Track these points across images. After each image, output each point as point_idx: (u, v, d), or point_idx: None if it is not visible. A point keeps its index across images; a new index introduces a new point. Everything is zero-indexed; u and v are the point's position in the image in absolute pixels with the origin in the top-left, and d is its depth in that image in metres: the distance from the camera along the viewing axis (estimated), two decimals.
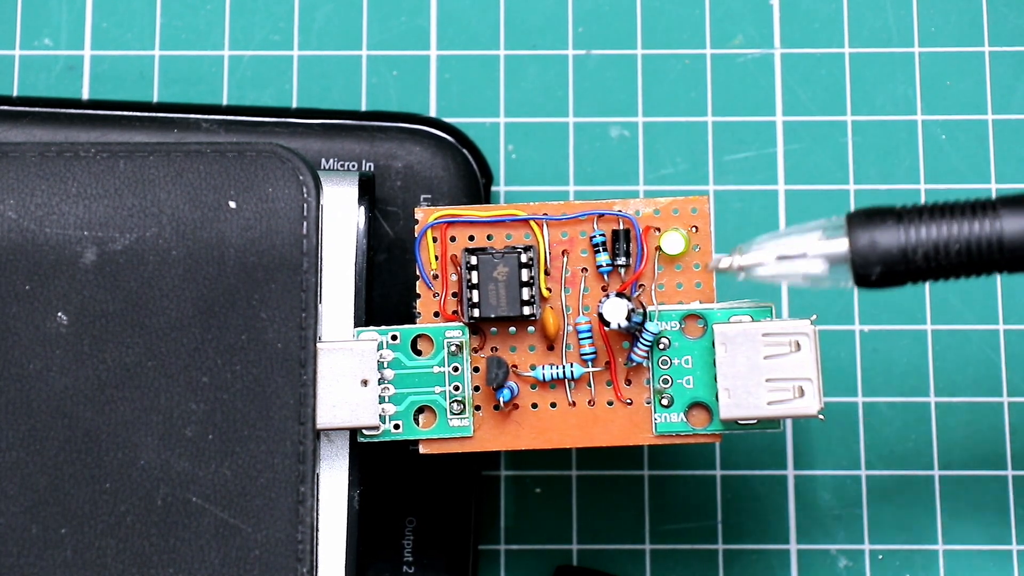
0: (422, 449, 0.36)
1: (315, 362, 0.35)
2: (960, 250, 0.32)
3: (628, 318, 0.34)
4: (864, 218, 0.33)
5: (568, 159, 0.44)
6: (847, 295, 0.43)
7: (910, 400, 0.43)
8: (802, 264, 0.33)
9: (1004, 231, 0.32)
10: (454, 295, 0.36)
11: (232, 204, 0.35)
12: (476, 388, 0.36)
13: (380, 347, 0.36)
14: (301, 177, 0.36)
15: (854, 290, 0.43)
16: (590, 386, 0.36)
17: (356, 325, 0.36)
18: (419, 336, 0.36)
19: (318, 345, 0.35)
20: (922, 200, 0.43)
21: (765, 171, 0.44)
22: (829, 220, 0.33)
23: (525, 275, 0.35)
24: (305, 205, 0.35)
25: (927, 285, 0.43)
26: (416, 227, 0.36)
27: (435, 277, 0.36)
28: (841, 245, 0.33)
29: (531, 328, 0.36)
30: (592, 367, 0.36)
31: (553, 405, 0.36)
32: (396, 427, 0.36)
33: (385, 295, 0.40)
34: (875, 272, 0.32)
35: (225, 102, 0.44)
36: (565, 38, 0.44)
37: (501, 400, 0.35)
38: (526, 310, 0.35)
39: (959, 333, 0.43)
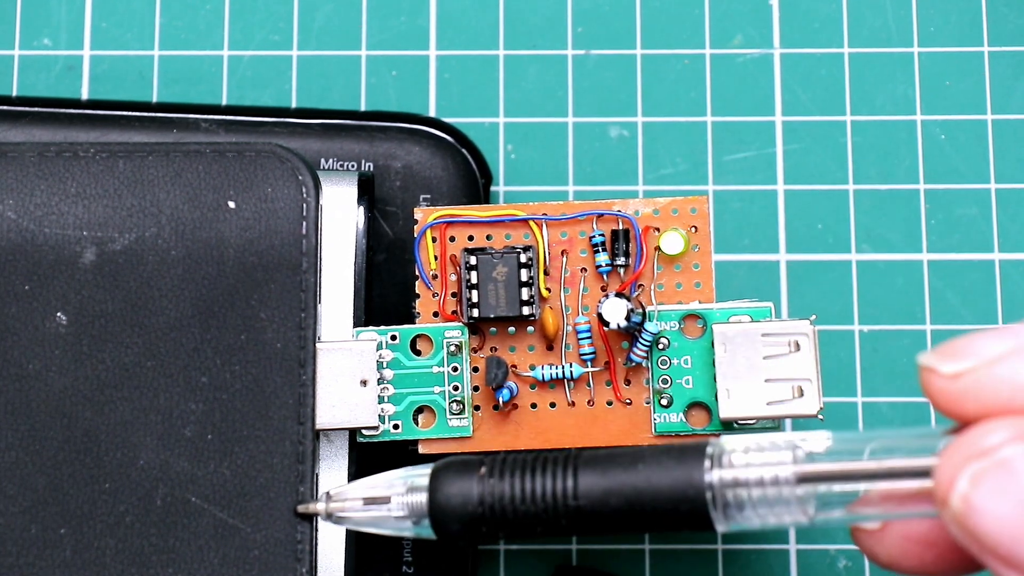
0: (421, 449, 0.36)
1: (314, 362, 0.35)
2: (536, 498, 0.31)
3: (627, 318, 0.34)
4: (446, 468, 0.32)
5: (568, 159, 0.44)
6: (847, 295, 0.43)
7: (910, 400, 0.42)
8: (387, 511, 0.32)
9: (579, 482, 0.31)
10: (453, 295, 0.36)
11: (231, 204, 0.35)
12: (475, 388, 0.36)
13: (379, 347, 0.36)
14: (300, 177, 0.36)
15: (854, 290, 0.43)
16: (589, 386, 0.36)
17: (355, 325, 0.36)
18: (418, 336, 0.36)
19: (317, 345, 0.35)
20: (922, 200, 0.43)
21: (765, 171, 0.44)
22: (416, 468, 0.33)
23: (524, 275, 0.35)
24: (304, 205, 0.35)
25: (927, 286, 0.43)
26: (415, 227, 0.36)
27: (434, 277, 0.36)
28: (421, 496, 0.32)
29: (530, 328, 0.36)
30: (591, 367, 0.36)
31: (552, 405, 0.36)
32: (395, 427, 0.36)
33: (384, 295, 0.40)
34: (452, 524, 0.32)
35: (225, 102, 0.44)
36: (565, 38, 0.44)
37: (500, 400, 0.35)
38: (525, 310, 0.35)
39: (959, 333, 0.43)
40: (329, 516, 0.33)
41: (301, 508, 0.34)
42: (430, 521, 0.32)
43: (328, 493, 0.33)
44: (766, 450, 0.30)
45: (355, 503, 0.33)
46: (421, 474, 0.32)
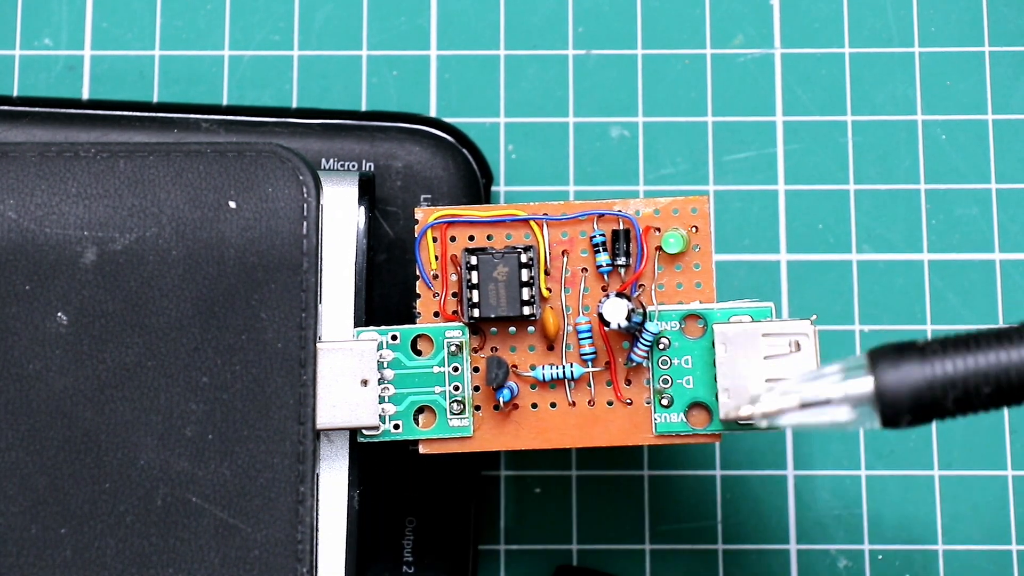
0: (422, 449, 0.36)
1: (315, 362, 0.35)
2: (990, 384, 0.31)
3: (628, 318, 0.34)
4: (886, 355, 0.32)
5: (568, 159, 0.44)
6: (847, 295, 0.43)
7: None
8: (827, 411, 0.32)
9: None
10: (454, 295, 0.36)
11: (232, 204, 0.35)
12: (476, 388, 0.36)
13: (380, 347, 0.36)
14: (301, 177, 0.36)
15: (854, 290, 0.43)
16: (590, 386, 0.36)
17: (356, 325, 0.36)
18: (419, 336, 0.36)
19: (318, 345, 0.35)
20: (922, 200, 0.43)
21: (765, 171, 0.44)
22: (847, 361, 0.32)
23: (525, 275, 0.35)
24: (305, 205, 0.35)
25: (927, 286, 0.43)
26: (416, 227, 0.36)
27: (435, 277, 0.36)
28: (866, 386, 0.32)
29: (531, 328, 0.36)
30: (592, 367, 0.36)
31: (553, 405, 0.36)
32: (396, 427, 0.36)
33: (385, 295, 0.40)
34: (905, 415, 0.31)
35: (225, 102, 0.44)
36: (565, 38, 0.44)
37: (501, 400, 0.35)
38: (526, 310, 0.35)
39: (959, 333, 0.43)
40: (764, 418, 0.32)
41: (728, 413, 0.34)
42: (880, 409, 0.31)
43: (759, 397, 0.33)
44: None
45: (792, 405, 0.32)
46: (858, 365, 0.32)
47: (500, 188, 0.44)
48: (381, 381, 0.35)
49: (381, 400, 0.35)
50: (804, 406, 0.32)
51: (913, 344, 0.32)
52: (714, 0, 0.44)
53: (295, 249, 0.35)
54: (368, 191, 0.38)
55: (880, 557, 0.42)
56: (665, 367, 0.35)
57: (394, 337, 0.36)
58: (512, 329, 0.36)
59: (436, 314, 0.36)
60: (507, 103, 0.44)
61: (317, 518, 0.35)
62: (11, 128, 0.41)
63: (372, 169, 0.41)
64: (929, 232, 0.43)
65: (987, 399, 0.31)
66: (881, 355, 0.32)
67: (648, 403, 0.36)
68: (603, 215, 0.36)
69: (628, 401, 0.36)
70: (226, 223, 0.35)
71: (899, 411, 0.31)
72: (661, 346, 0.35)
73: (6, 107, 0.41)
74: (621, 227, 0.36)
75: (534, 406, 0.36)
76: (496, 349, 0.36)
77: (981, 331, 0.32)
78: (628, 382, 0.36)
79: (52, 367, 0.35)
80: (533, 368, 0.36)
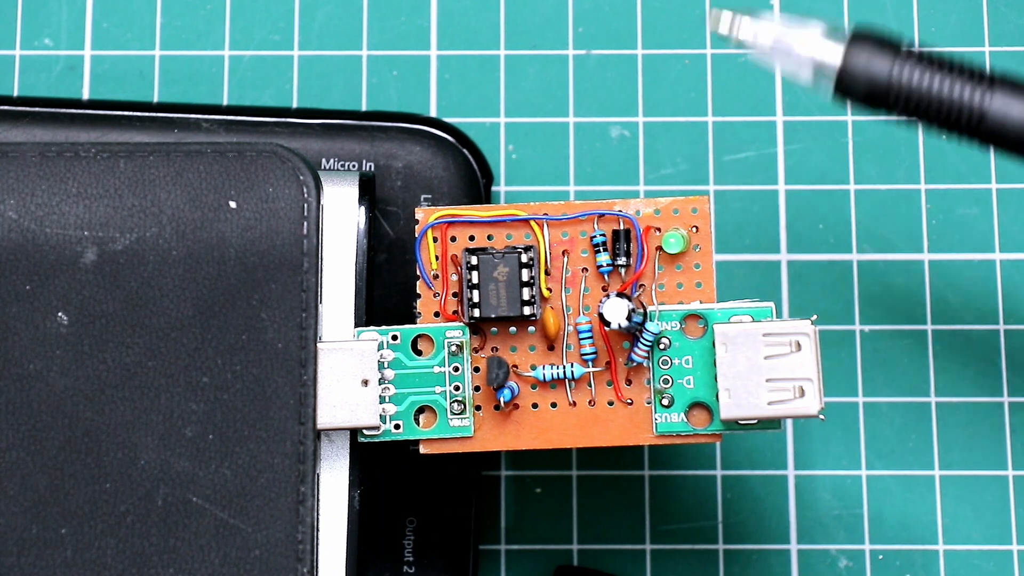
0: (422, 449, 0.36)
1: (315, 362, 0.35)
2: (941, 105, 0.32)
3: (628, 318, 0.34)
4: (864, 37, 0.33)
5: (568, 159, 0.44)
6: (847, 295, 0.43)
7: (910, 400, 0.43)
8: (792, 60, 0.33)
9: (990, 108, 0.32)
10: (454, 295, 0.36)
11: (232, 204, 0.35)
12: (476, 388, 0.36)
13: (380, 347, 0.36)
14: (301, 177, 0.36)
15: (854, 290, 0.43)
16: (590, 386, 0.36)
17: (356, 325, 0.36)
18: (419, 336, 0.36)
19: (318, 345, 0.35)
20: (923, 200, 0.43)
21: (765, 171, 0.44)
22: (833, 27, 0.34)
23: (525, 275, 0.35)
24: (305, 205, 0.35)
25: (927, 286, 0.43)
26: (416, 227, 0.36)
27: (435, 277, 0.36)
28: (835, 54, 0.33)
29: (531, 328, 0.36)
30: (592, 367, 0.36)
31: (553, 405, 0.36)
32: (396, 427, 0.36)
33: (385, 295, 0.40)
34: (856, 92, 0.33)
35: (225, 102, 0.44)
36: (565, 38, 0.44)
37: (501, 400, 0.35)
38: (526, 310, 0.35)
39: (959, 333, 0.43)
40: (736, 37, 0.34)
41: (712, 22, 0.35)
42: (837, 78, 0.33)
43: (744, 16, 0.34)
44: None
45: (767, 35, 0.34)
46: (839, 34, 0.33)
47: (500, 188, 0.44)
48: (381, 381, 0.35)
49: (381, 400, 0.35)
50: (776, 45, 0.34)
51: (894, 42, 0.33)
52: (714, 0, 0.44)
53: (295, 249, 0.35)
54: (368, 191, 0.38)
55: (880, 557, 0.42)
56: (665, 367, 0.35)
57: (394, 337, 0.36)
58: (512, 329, 0.36)
59: (436, 314, 0.36)
60: (507, 103, 0.44)
61: (317, 518, 0.35)
62: (11, 128, 0.41)
63: (372, 169, 0.41)
64: (929, 232, 0.43)
65: (931, 122, 0.33)
66: (860, 37, 0.33)
67: (648, 403, 0.36)
68: (603, 215, 0.36)
69: (628, 401, 0.36)
70: (226, 223, 0.35)
71: (850, 92, 0.33)
72: (661, 346, 0.35)
73: (6, 107, 0.41)
74: (621, 227, 0.36)
75: (534, 406, 0.36)
76: (496, 349, 0.36)
77: (962, 61, 0.33)
78: (628, 382, 0.36)
79: (52, 367, 0.35)
80: (533, 368, 0.36)
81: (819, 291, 0.43)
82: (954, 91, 0.32)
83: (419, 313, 0.36)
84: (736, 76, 0.44)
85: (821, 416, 0.35)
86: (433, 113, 0.44)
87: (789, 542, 0.42)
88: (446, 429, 0.35)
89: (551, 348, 0.36)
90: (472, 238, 0.36)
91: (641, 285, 0.36)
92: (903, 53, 0.33)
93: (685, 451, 0.43)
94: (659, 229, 0.36)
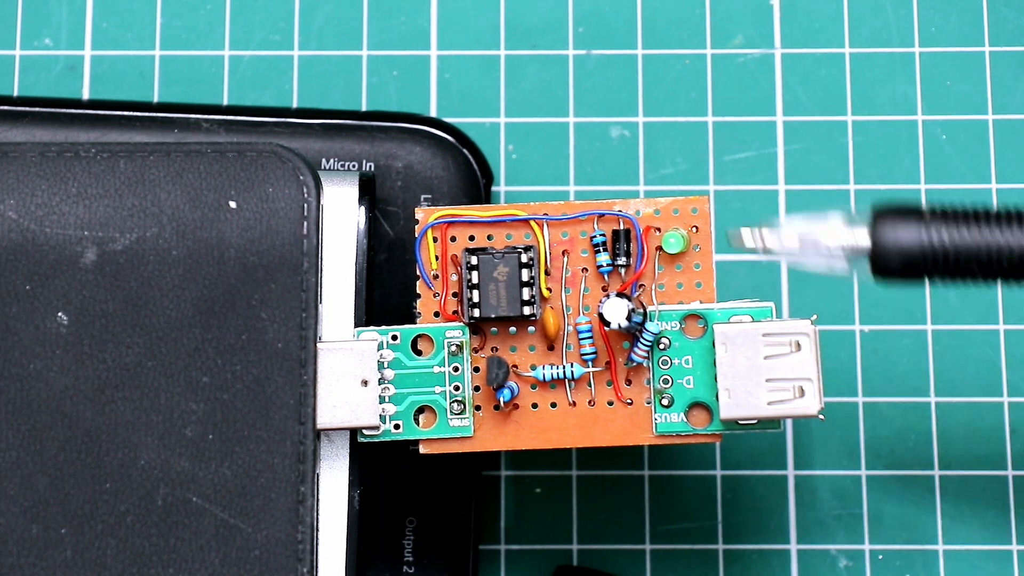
0: (422, 449, 0.36)
1: (315, 362, 0.35)
2: (980, 259, 0.32)
3: (628, 318, 0.34)
4: (887, 213, 0.33)
5: (568, 159, 0.44)
6: (847, 295, 0.43)
7: (910, 400, 0.43)
8: (824, 254, 0.33)
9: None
10: (454, 295, 0.36)
11: (232, 204, 0.35)
12: (476, 388, 0.36)
13: (380, 347, 0.36)
14: (301, 177, 0.36)
15: (854, 290, 0.43)
16: (590, 386, 0.36)
17: (356, 325, 0.36)
18: (419, 336, 0.36)
19: (318, 345, 0.35)
20: (922, 200, 0.43)
21: (765, 171, 0.44)
22: (852, 214, 0.34)
23: (525, 275, 0.35)
24: (305, 205, 0.35)
25: (927, 286, 0.43)
26: (416, 227, 0.36)
27: (435, 277, 0.36)
28: (862, 237, 0.33)
29: (531, 328, 0.36)
30: (592, 367, 0.36)
31: (553, 405, 0.36)
32: (396, 427, 0.36)
33: (385, 295, 0.40)
34: (893, 269, 0.33)
35: (225, 102, 0.44)
36: (565, 38, 0.44)
37: (501, 400, 0.35)
38: (526, 310, 0.35)
39: (959, 333, 0.43)
40: (763, 247, 0.34)
41: (733, 239, 0.35)
42: (872, 261, 0.33)
43: (762, 227, 0.34)
44: None
45: (791, 239, 0.34)
46: (860, 218, 0.33)
47: (500, 188, 0.44)
48: (381, 381, 0.35)
49: (381, 400, 0.35)
50: (804, 245, 0.34)
51: (916, 209, 0.33)
52: (714, 0, 0.44)
53: (295, 249, 0.35)
54: (368, 191, 0.38)
55: (880, 557, 0.42)
56: (665, 367, 0.35)
57: (394, 337, 0.36)
58: (512, 329, 0.36)
59: (436, 314, 0.36)
60: (507, 103, 0.44)
61: (317, 518, 0.35)
62: (11, 128, 0.41)
63: (372, 169, 0.41)
64: None
65: (975, 274, 0.32)
66: (882, 213, 0.33)
67: (648, 403, 0.36)
68: (603, 215, 0.36)
69: (628, 401, 0.36)
70: (226, 223, 0.35)
71: (889, 269, 0.33)
72: (661, 346, 0.35)
73: (6, 107, 0.41)
74: (621, 227, 0.36)
75: (534, 406, 0.36)
76: (496, 349, 0.36)
77: (983, 209, 0.33)
78: (628, 382, 0.36)
79: (52, 367, 0.35)
80: (533, 368, 0.36)
81: (819, 291, 0.43)
82: (989, 237, 0.32)
83: (419, 313, 0.36)
84: (736, 76, 0.44)
85: (821, 416, 0.35)
86: (433, 113, 0.44)
87: (789, 542, 0.42)
88: (446, 429, 0.35)
89: (551, 348, 0.36)
90: (472, 238, 0.36)
91: (641, 285, 0.36)
92: (927, 216, 0.33)
93: (685, 451, 0.43)
94: (659, 229, 0.36)
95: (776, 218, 0.34)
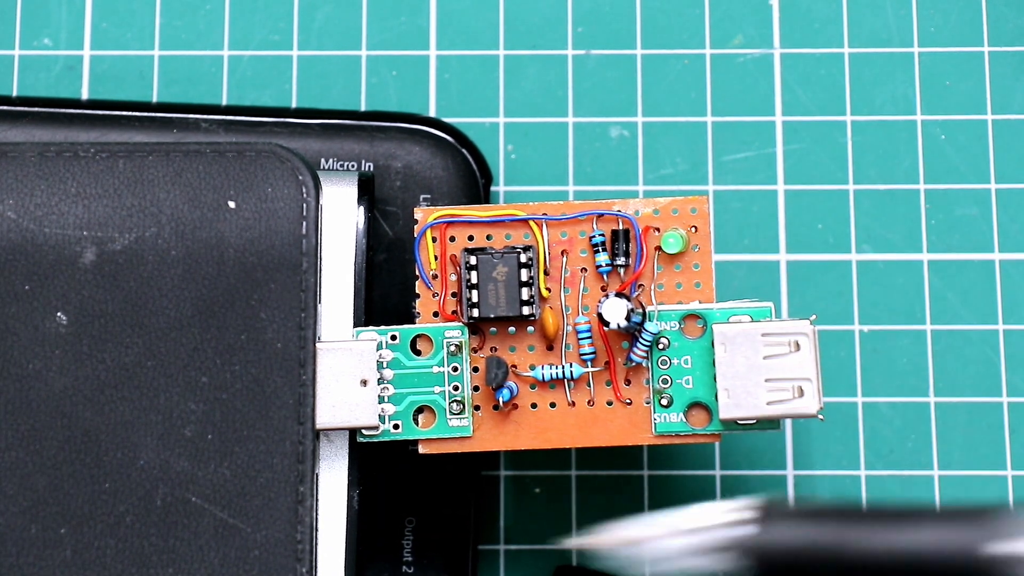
0: (422, 449, 0.36)
1: (314, 362, 0.35)
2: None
3: (627, 318, 0.34)
4: (777, 512, 0.31)
5: (568, 159, 0.44)
6: (847, 295, 0.43)
7: (910, 400, 0.42)
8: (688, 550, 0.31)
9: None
10: (453, 295, 0.36)
11: (231, 204, 0.35)
12: (475, 388, 0.36)
13: (379, 347, 0.36)
14: (301, 177, 0.36)
15: (854, 290, 0.43)
16: (589, 386, 0.36)
17: (355, 325, 0.36)
18: (418, 336, 0.36)
19: (317, 345, 0.35)
20: (922, 200, 0.43)
21: (765, 171, 0.44)
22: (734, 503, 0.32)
23: (524, 275, 0.35)
24: (305, 205, 0.35)
25: (927, 286, 0.43)
26: (416, 227, 0.36)
27: (434, 277, 0.36)
28: (749, 532, 0.31)
29: (530, 328, 0.36)
30: (591, 367, 0.36)
31: (552, 405, 0.36)
32: (396, 427, 0.36)
33: (385, 295, 0.40)
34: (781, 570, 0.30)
35: (225, 102, 0.44)
36: (565, 38, 0.44)
37: (500, 400, 0.35)
38: (525, 310, 0.35)
39: (959, 333, 0.43)
40: (605, 549, 0.32)
41: (573, 543, 0.32)
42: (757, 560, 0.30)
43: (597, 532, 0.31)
44: None
45: (666, 531, 0.31)
46: (743, 509, 0.31)
47: (500, 188, 0.44)
48: (381, 381, 0.35)
49: (381, 400, 0.35)
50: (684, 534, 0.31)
51: (809, 509, 0.31)
52: (714, 0, 0.44)
53: (295, 249, 0.35)
54: (368, 191, 0.38)
55: None
56: (665, 367, 0.35)
57: (393, 337, 0.36)
58: (512, 329, 0.36)
59: (435, 314, 0.36)
60: (507, 103, 0.44)
61: (317, 518, 0.35)
62: (11, 128, 0.41)
63: (372, 169, 0.41)
64: (929, 232, 0.43)
65: None
66: (773, 510, 0.31)
67: (648, 403, 0.36)
68: (603, 215, 0.36)
69: (628, 401, 0.36)
70: (226, 223, 0.35)
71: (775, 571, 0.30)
72: (661, 346, 0.35)
73: (6, 107, 0.41)
74: (620, 227, 0.36)
75: (534, 406, 0.36)
76: (495, 349, 0.36)
77: (875, 507, 0.30)
78: (628, 382, 0.36)
79: (52, 367, 0.35)
80: (532, 368, 0.36)
81: (819, 291, 0.43)
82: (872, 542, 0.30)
83: (418, 313, 0.36)
84: (736, 76, 0.44)
85: (820, 416, 0.35)
86: (432, 113, 0.44)
87: None
88: (445, 429, 0.35)
89: (550, 348, 0.36)
90: (471, 238, 0.36)
91: (640, 285, 0.36)
92: (820, 513, 0.31)
93: (684, 451, 0.43)
94: (658, 229, 0.36)
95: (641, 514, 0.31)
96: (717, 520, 0.31)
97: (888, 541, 0.29)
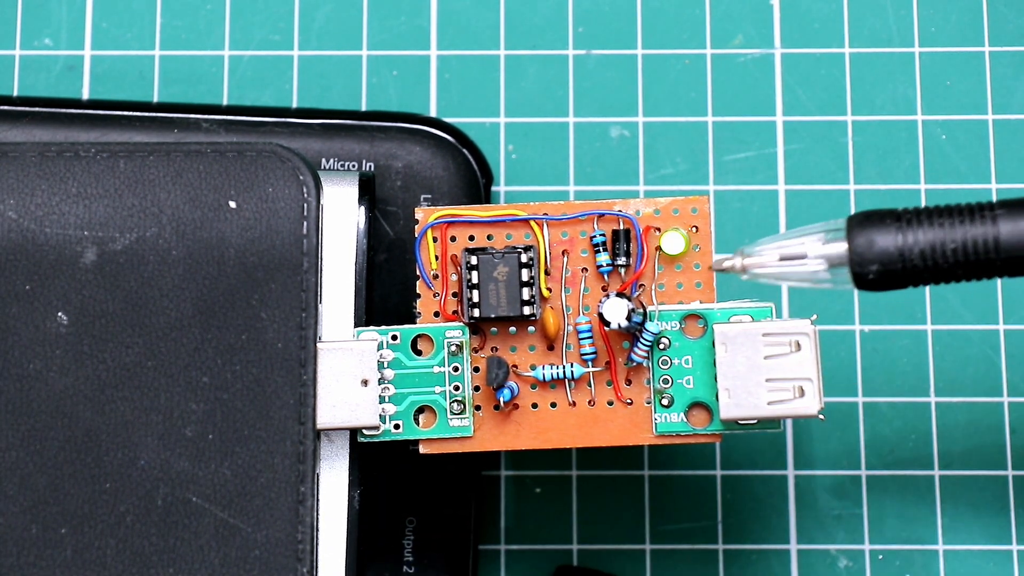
0: (422, 449, 0.36)
1: (315, 362, 0.35)
2: (956, 252, 0.32)
3: (628, 318, 0.34)
4: (862, 220, 0.33)
5: (568, 159, 0.44)
6: (847, 295, 0.43)
7: (910, 400, 0.43)
8: (803, 265, 0.33)
9: (1000, 234, 0.32)
10: (454, 295, 0.36)
11: (232, 204, 0.35)
12: (476, 388, 0.36)
13: (380, 347, 0.36)
14: (301, 177, 0.36)
15: (854, 290, 0.43)
16: (590, 386, 0.36)
17: (356, 325, 0.36)
18: (419, 336, 0.36)
19: (318, 345, 0.35)
20: (922, 200, 0.43)
21: (765, 171, 0.44)
22: (828, 223, 0.34)
23: (525, 275, 0.35)
24: (305, 205, 0.35)
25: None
26: (416, 227, 0.36)
27: (435, 277, 0.36)
28: (840, 247, 0.33)
29: (531, 328, 0.36)
30: (592, 367, 0.36)
31: (553, 405, 0.36)
32: (396, 427, 0.36)
33: (385, 295, 0.40)
34: (872, 272, 0.33)
35: (225, 102, 0.44)
36: (565, 38, 0.44)
37: (501, 400, 0.35)
38: (526, 310, 0.35)
39: (959, 333, 0.43)
40: (744, 270, 0.34)
41: (715, 264, 0.35)
42: (851, 269, 0.33)
43: (743, 250, 0.34)
44: None
45: (771, 258, 0.34)
46: (836, 226, 0.33)
47: (500, 188, 0.44)
48: (381, 381, 0.35)
49: (381, 400, 0.35)
50: (783, 260, 0.34)
51: (891, 212, 0.33)
52: (714, 0, 0.44)
53: (295, 249, 0.35)
54: (368, 191, 0.38)
55: (880, 557, 0.42)
56: (665, 367, 0.35)
57: (394, 337, 0.36)
58: (512, 329, 0.36)
59: (436, 314, 0.36)
60: (507, 103, 0.44)
61: (317, 518, 0.35)
62: (11, 128, 0.41)
63: (372, 169, 0.41)
64: None
65: (952, 270, 0.32)
66: (858, 221, 0.33)
67: (648, 403, 0.36)
68: (603, 215, 0.36)
69: (628, 401, 0.36)
70: (226, 223, 0.35)
71: (868, 273, 0.33)
72: (661, 346, 0.35)
73: (6, 107, 0.41)
74: (621, 227, 0.36)
75: (534, 406, 0.36)
76: (496, 349, 0.36)
77: (957, 205, 0.33)
78: (628, 382, 0.36)
79: (52, 367, 0.35)
80: (533, 368, 0.36)
81: (819, 291, 0.43)
82: (961, 232, 0.32)
83: (419, 313, 0.36)
84: (736, 76, 0.44)
85: (821, 416, 0.35)
86: (433, 113, 0.44)
87: (789, 542, 0.42)
88: (446, 429, 0.35)
89: (551, 348, 0.36)
90: (472, 238, 0.36)
91: (641, 285, 0.36)
92: (901, 217, 0.33)
93: (685, 451, 0.43)
94: (659, 229, 0.36)
95: (755, 242, 0.34)
96: (814, 242, 0.34)
97: (967, 234, 0.32)
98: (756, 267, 0.34)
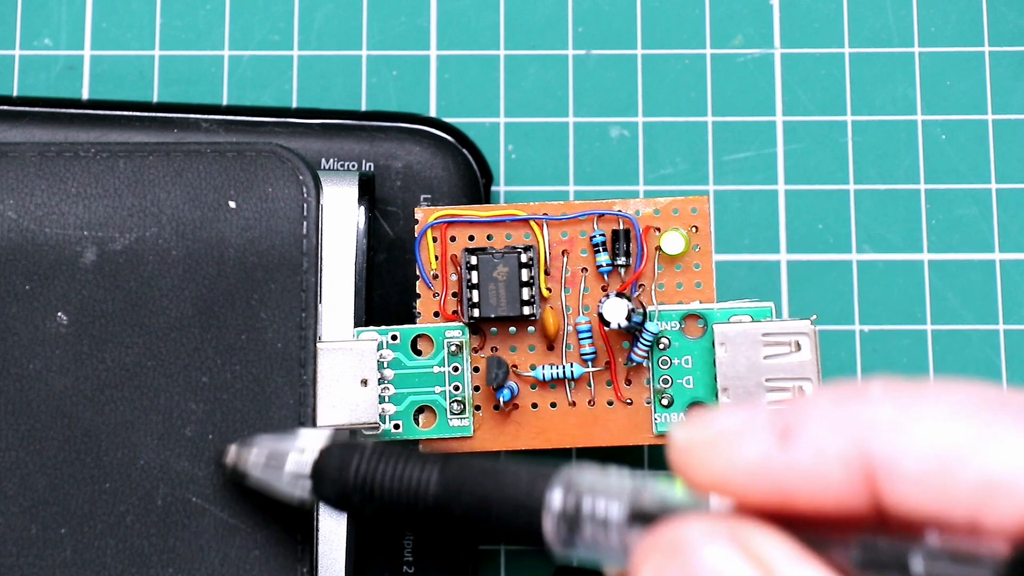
0: (422, 449, 0.36)
1: (315, 362, 0.35)
2: (394, 486, 0.31)
3: (628, 318, 0.34)
4: (335, 447, 0.32)
5: (568, 159, 0.44)
6: (847, 295, 0.43)
7: None
8: (283, 479, 0.33)
9: (435, 480, 0.30)
10: (454, 295, 0.36)
11: (232, 204, 0.35)
12: (476, 388, 0.36)
13: (380, 347, 0.36)
14: (301, 177, 0.36)
15: (854, 290, 0.43)
16: (590, 386, 0.36)
17: (356, 325, 0.36)
18: (419, 336, 0.36)
19: (318, 345, 0.35)
20: (922, 200, 0.43)
21: (765, 171, 0.44)
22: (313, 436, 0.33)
23: (525, 275, 0.35)
24: (305, 205, 0.35)
25: (927, 286, 0.43)
26: (416, 227, 0.36)
27: (435, 277, 0.36)
28: (307, 466, 0.33)
29: (531, 328, 0.36)
30: (592, 367, 0.36)
31: (553, 405, 0.36)
32: (396, 427, 0.36)
33: (385, 295, 0.40)
34: (330, 498, 0.32)
35: (225, 102, 0.44)
36: (565, 38, 0.44)
37: (501, 400, 0.35)
38: (526, 310, 0.35)
39: (959, 333, 0.43)
40: (234, 463, 0.34)
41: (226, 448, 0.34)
42: (311, 482, 0.32)
43: (238, 444, 0.34)
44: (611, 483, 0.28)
45: (259, 457, 0.33)
46: (315, 446, 0.33)
47: (500, 188, 0.44)
48: (381, 381, 0.35)
49: (381, 400, 0.35)
50: (267, 465, 0.33)
51: (357, 445, 0.32)
52: (714, 0, 0.44)
53: (295, 249, 0.35)
54: (368, 191, 0.38)
55: None
56: (665, 367, 0.35)
57: (394, 337, 0.36)
58: (512, 329, 0.36)
59: (436, 314, 0.36)
60: (507, 103, 0.44)
61: (317, 518, 0.35)
62: (11, 128, 0.41)
63: (372, 169, 0.41)
64: (929, 232, 0.43)
65: (391, 498, 0.31)
66: (327, 449, 0.32)
67: (648, 403, 0.36)
68: (603, 215, 0.36)
69: (628, 401, 0.36)
70: (226, 223, 0.35)
71: (326, 497, 0.32)
72: (661, 346, 0.35)
73: (6, 107, 0.41)
74: (621, 227, 0.36)
75: (534, 406, 0.36)
76: (496, 349, 0.36)
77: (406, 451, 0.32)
78: (628, 382, 0.36)
79: (52, 367, 0.35)
80: (533, 368, 0.36)
81: (819, 291, 0.43)
82: (405, 469, 0.31)
83: (419, 313, 0.36)
84: (736, 76, 0.44)
85: None
86: (433, 113, 0.44)
87: None
88: (446, 429, 0.35)
89: (551, 348, 0.36)
90: (472, 238, 0.36)
91: (641, 285, 0.36)
92: (365, 452, 0.32)
93: None
94: (659, 229, 0.36)
95: (257, 436, 0.34)
96: (297, 452, 0.33)
97: (469, 480, 0.30)
98: (244, 464, 0.33)
